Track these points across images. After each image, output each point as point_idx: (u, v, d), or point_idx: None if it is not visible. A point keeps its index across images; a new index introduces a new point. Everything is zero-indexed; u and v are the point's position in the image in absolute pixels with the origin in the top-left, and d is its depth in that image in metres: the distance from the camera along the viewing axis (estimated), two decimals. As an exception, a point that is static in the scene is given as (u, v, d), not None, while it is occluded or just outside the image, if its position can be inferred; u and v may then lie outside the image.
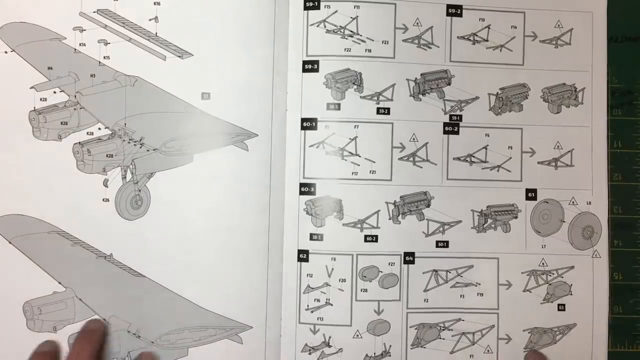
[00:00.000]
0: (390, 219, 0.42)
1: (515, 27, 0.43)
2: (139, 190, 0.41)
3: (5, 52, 0.41)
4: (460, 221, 0.42)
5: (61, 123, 0.41)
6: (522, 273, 0.43)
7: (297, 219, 0.41)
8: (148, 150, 0.41)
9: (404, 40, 0.42)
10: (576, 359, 0.42)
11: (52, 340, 0.40)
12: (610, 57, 0.44)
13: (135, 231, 0.40)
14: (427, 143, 0.42)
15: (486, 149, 0.43)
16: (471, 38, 0.43)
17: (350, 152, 0.42)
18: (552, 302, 0.43)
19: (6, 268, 0.40)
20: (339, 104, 0.42)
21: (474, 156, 0.43)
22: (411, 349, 0.42)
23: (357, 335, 0.41)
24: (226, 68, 0.41)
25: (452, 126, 0.43)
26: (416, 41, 0.42)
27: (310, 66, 0.41)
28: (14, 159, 0.40)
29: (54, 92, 0.41)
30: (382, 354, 0.41)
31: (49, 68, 0.41)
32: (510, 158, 0.43)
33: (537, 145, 0.43)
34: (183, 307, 0.40)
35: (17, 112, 0.40)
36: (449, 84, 0.43)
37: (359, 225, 0.41)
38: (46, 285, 0.40)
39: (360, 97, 0.42)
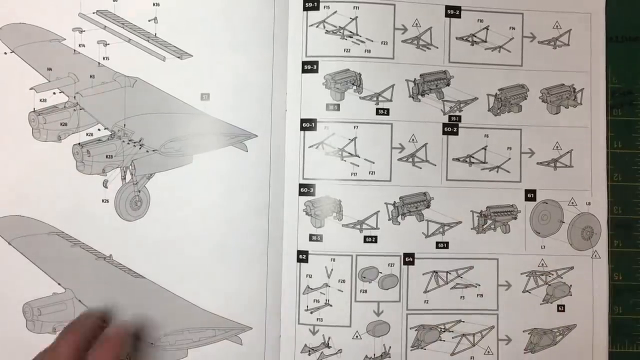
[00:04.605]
0: (389, 219, 0.43)
1: (514, 28, 0.45)
2: (139, 191, 0.42)
3: (5, 53, 0.42)
4: (460, 222, 0.44)
5: (61, 124, 0.42)
6: (521, 274, 0.44)
7: (296, 219, 0.43)
8: (147, 151, 0.42)
9: (403, 41, 0.44)
10: (577, 359, 0.44)
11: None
12: (610, 57, 0.45)
13: (134, 232, 0.42)
14: (426, 144, 0.44)
15: (485, 149, 0.44)
16: (470, 39, 0.45)
17: (349, 153, 0.43)
18: (551, 302, 0.44)
19: (6, 269, 0.42)
20: (338, 105, 0.43)
21: (473, 157, 0.44)
22: (411, 350, 0.43)
23: (357, 337, 0.43)
24: (225, 69, 0.43)
25: (451, 127, 0.44)
26: (415, 42, 0.44)
27: (309, 67, 0.43)
28: (14, 160, 0.42)
29: (54, 93, 0.42)
30: (381, 355, 0.43)
31: (49, 69, 0.42)
32: (510, 159, 0.45)
33: (536, 145, 0.45)
34: (182, 308, 0.42)
35: (17, 113, 0.42)
36: (448, 84, 0.44)
37: (359, 226, 0.43)
38: (46, 286, 0.42)
39: (360, 97, 0.43)
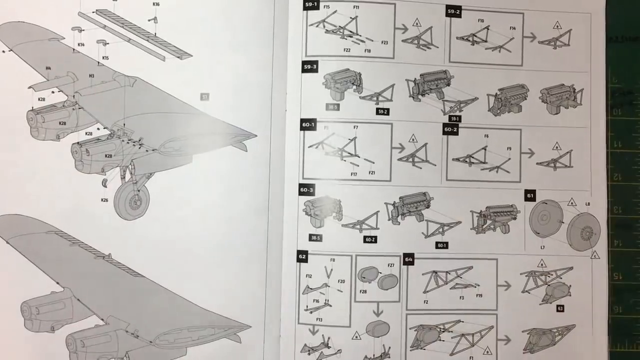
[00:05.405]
0: (389, 219, 0.44)
1: (514, 28, 0.45)
2: (138, 191, 0.43)
3: (4, 52, 0.43)
4: (460, 222, 0.44)
5: (59, 123, 0.43)
6: (521, 274, 0.45)
7: (296, 219, 0.43)
8: (147, 151, 0.43)
9: (404, 41, 0.44)
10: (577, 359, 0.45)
11: None
12: (610, 57, 0.46)
13: (133, 231, 0.42)
14: (426, 144, 0.44)
15: (485, 149, 0.45)
16: (470, 39, 0.45)
17: (349, 153, 0.44)
18: (551, 303, 0.45)
19: (4, 268, 0.42)
20: (338, 105, 0.44)
21: (473, 157, 0.45)
22: (411, 350, 0.44)
23: (356, 337, 0.43)
24: (225, 68, 0.43)
25: (451, 127, 0.45)
26: (415, 41, 0.45)
27: (309, 66, 0.44)
28: (12, 158, 0.42)
29: (53, 92, 0.43)
30: (381, 356, 0.43)
31: (48, 68, 0.43)
32: (509, 159, 0.45)
33: (536, 146, 0.45)
34: (182, 306, 0.42)
35: (15, 112, 0.42)
36: (448, 84, 0.45)
37: (358, 226, 0.43)
38: (44, 285, 0.42)
39: (360, 97, 0.44)
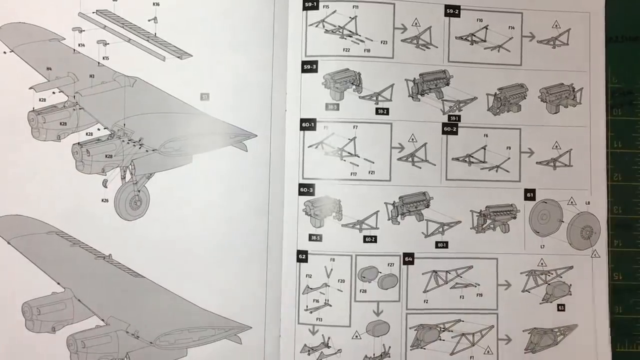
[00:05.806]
0: (389, 219, 0.44)
1: (513, 28, 0.45)
2: (138, 191, 0.43)
3: (4, 53, 0.43)
4: (460, 221, 0.45)
5: (60, 123, 0.43)
6: (521, 273, 0.45)
7: (296, 219, 0.43)
8: (147, 151, 0.43)
9: (403, 41, 0.45)
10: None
11: None
12: (610, 57, 0.46)
13: (134, 232, 0.43)
14: (426, 143, 0.45)
15: (485, 149, 0.45)
16: (469, 38, 0.45)
17: (349, 153, 0.44)
18: (551, 302, 0.45)
19: (5, 268, 0.42)
20: (337, 104, 0.44)
21: (472, 156, 0.45)
22: (411, 350, 0.44)
23: (356, 336, 0.43)
24: (225, 69, 0.43)
25: (450, 126, 0.45)
26: (415, 41, 0.45)
27: (309, 66, 0.44)
28: (13, 159, 0.43)
29: (53, 93, 0.43)
30: (381, 355, 0.43)
31: (48, 68, 0.43)
32: (509, 158, 0.45)
33: (536, 145, 0.45)
34: (182, 307, 0.43)
35: (16, 113, 0.43)
36: (448, 84, 0.45)
37: (358, 226, 0.44)
38: (45, 285, 0.42)
39: (359, 97, 0.44)
